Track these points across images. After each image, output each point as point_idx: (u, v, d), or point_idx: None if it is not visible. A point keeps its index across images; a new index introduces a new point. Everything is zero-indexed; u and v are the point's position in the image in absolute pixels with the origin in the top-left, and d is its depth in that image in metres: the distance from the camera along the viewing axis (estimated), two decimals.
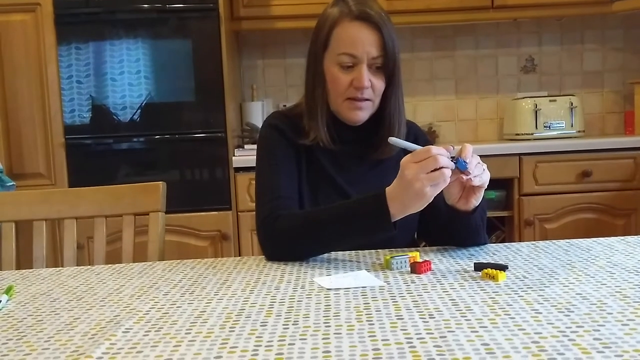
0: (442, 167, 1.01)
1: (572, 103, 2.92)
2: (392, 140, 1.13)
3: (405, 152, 1.35)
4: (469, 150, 1.07)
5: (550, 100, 2.94)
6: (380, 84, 1.26)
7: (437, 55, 3.23)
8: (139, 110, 2.58)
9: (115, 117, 2.58)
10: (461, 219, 1.16)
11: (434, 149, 1.02)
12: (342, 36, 1.25)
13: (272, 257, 1.18)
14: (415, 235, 1.39)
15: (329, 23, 1.26)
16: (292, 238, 1.16)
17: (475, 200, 1.14)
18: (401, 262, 1.04)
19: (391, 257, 1.05)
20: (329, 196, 1.30)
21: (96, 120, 2.59)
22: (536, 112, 2.91)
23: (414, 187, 1.02)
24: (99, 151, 2.60)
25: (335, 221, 1.12)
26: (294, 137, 1.32)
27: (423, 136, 1.43)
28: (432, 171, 1.01)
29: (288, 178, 1.28)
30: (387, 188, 1.07)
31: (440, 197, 1.12)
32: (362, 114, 1.28)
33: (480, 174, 1.08)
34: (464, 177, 1.06)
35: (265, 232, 1.20)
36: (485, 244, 1.22)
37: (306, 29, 2.81)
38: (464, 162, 1.05)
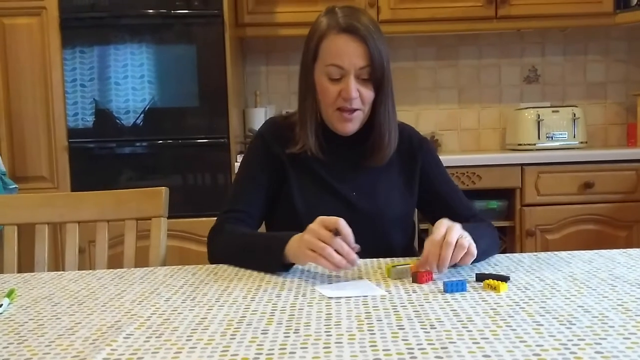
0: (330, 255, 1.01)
1: (574, 114, 2.92)
2: None
3: (399, 154, 1.35)
4: (443, 260, 1.01)
5: (553, 111, 2.93)
6: (368, 94, 1.28)
7: (441, 64, 3.23)
8: (142, 115, 2.59)
9: (118, 121, 2.59)
10: None
11: (337, 242, 1.02)
12: (330, 48, 1.27)
13: (210, 262, 1.27)
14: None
15: (317, 35, 1.29)
16: (219, 253, 1.26)
17: (465, 263, 1.08)
18: (402, 272, 1.04)
19: (393, 266, 1.05)
20: (329, 203, 1.32)
21: (99, 124, 2.59)
22: (539, 122, 2.91)
23: (301, 248, 1.06)
24: (102, 155, 2.60)
25: (247, 249, 1.20)
26: (283, 146, 1.34)
27: (417, 136, 1.43)
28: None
29: (253, 192, 1.35)
30: (295, 235, 1.10)
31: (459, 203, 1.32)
32: (352, 125, 1.30)
33: (459, 260, 1.03)
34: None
35: (209, 241, 1.31)
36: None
37: None
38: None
